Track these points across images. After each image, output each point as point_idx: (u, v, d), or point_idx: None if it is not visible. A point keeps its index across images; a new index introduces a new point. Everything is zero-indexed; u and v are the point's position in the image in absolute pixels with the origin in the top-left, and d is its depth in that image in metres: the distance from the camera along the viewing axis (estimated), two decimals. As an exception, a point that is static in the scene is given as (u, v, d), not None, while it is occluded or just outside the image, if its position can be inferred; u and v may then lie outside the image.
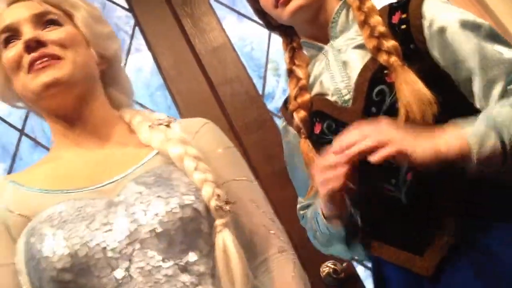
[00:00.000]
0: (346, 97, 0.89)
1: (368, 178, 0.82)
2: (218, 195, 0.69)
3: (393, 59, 0.84)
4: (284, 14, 0.93)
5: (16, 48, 0.77)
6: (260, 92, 1.78)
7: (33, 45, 0.75)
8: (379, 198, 0.85)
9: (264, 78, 1.86)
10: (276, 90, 1.97)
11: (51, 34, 0.78)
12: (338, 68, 0.92)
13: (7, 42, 0.79)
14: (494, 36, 0.83)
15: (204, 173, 0.71)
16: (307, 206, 1.04)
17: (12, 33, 0.78)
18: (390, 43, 0.85)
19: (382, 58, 0.86)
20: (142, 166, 0.75)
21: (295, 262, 0.79)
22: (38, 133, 1.79)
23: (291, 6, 0.91)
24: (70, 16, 0.83)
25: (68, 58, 0.77)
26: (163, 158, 0.75)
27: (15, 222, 0.70)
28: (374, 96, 0.85)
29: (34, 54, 0.75)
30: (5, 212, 0.71)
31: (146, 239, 0.64)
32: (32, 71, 0.75)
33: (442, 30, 0.83)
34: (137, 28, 1.88)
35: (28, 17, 0.79)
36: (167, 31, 1.82)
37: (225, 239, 0.67)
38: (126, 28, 1.96)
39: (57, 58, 0.76)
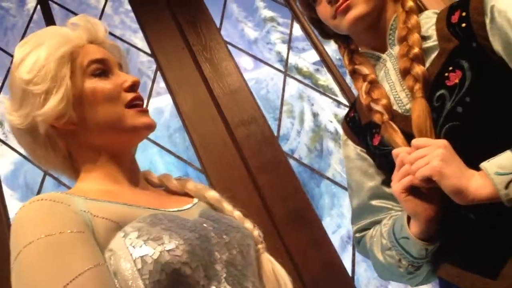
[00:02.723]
0: (408, 106, 0.87)
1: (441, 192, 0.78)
2: (257, 226, 0.84)
3: (417, 87, 0.83)
4: (343, 23, 0.92)
5: (113, 82, 0.82)
6: (275, 134, 1.83)
7: (137, 87, 0.83)
8: (452, 214, 0.81)
9: (279, 120, 1.91)
10: (291, 132, 2.01)
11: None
12: (397, 76, 0.90)
13: (97, 73, 0.82)
14: None
15: (239, 211, 0.85)
16: (367, 228, 0.99)
17: (105, 67, 0.83)
18: (419, 69, 0.84)
19: (408, 82, 0.85)
20: (195, 206, 0.83)
21: None
22: (61, 172, 1.85)
23: (351, 15, 0.90)
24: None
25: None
26: (201, 200, 0.85)
27: (102, 226, 0.67)
28: (435, 101, 0.82)
29: (136, 95, 0.82)
30: (88, 215, 0.68)
31: (231, 254, 0.73)
32: (133, 107, 0.81)
33: (501, 23, 0.76)
34: (158, 72, 1.97)
35: (116, 63, 0.86)
36: (187, 75, 1.90)
37: (269, 257, 0.83)
38: (148, 72, 2.05)
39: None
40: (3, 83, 2.03)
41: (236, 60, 1.95)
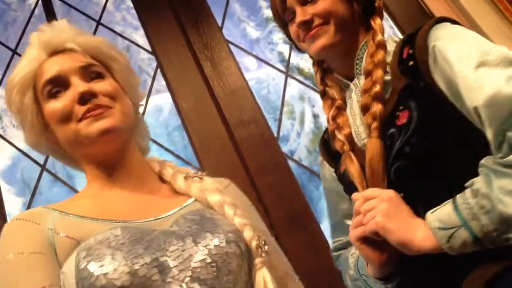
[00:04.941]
0: (365, 141, 0.88)
1: None
2: (258, 237, 0.76)
3: (374, 125, 0.84)
4: (310, 50, 0.93)
5: (65, 99, 0.79)
6: (275, 135, 1.81)
7: (88, 97, 0.78)
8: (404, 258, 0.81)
9: (279, 120, 1.89)
10: (291, 133, 2.00)
11: (100, 86, 0.81)
12: (359, 110, 0.90)
13: (52, 93, 0.81)
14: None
15: (243, 218, 0.78)
16: (342, 248, 1.02)
17: (59, 84, 0.81)
18: (377, 108, 0.85)
19: (367, 119, 0.86)
20: (184, 208, 0.80)
21: None
22: (58, 168, 1.84)
23: (318, 44, 0.91)
24: (107, 67, 0.87)
25: (117, 108, 0.81)
26: (201, 204, 0.81)
27: (62, 244, 0.70)
28: (387, 140, 0.83)
29: (90, 106, 0.78)
30: (52, 233, 0.71)
31: (197, 268, 0.67)
32: (86, 118, 0.78)
33: (442, 62, 0.78)
34: (158, 70, 1.96)
35: (77, 69, 0.81)
36: (187, 73, 1.88)
37: (265, 276, 0.72)
38: (148, 70, 2.04)
39: (108, 108, 0.80)
40: (2, 78, 2.01)
41: (237, 59, 1.94)
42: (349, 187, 0.92)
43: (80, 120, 0.78)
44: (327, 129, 1.06)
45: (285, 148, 1.84)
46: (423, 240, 0.73)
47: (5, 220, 1.63)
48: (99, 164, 0.83)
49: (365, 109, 0.87)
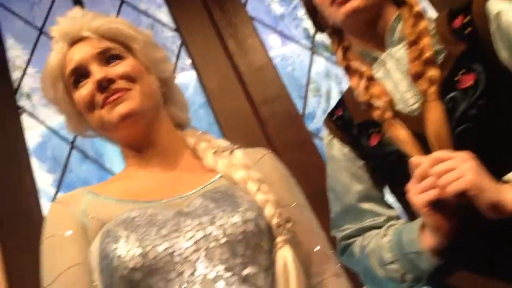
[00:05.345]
0: (415, 106, 0.85)
1: None
2: (280, 214, 0.74)
3: (432, 90, 0.82)
4: (339, 13, 0.90)
5: (87, 87, 0.83)
6: (301, 112, 1.79)
7: (105, 84, 0.81)
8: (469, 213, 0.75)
9: (305, 98, 1.87)
10: (317, 110, 1.97)
11: (117, 69, 0.83)
12: (402, 77, 0.88)
13: (77, 82, 0.84)
14: None
15: (266, 194, 0.76)
16: (355, 235, 0.95)
17: (81, 73, 0.84)
18: (435, 72, 0.83)
19: (421, 86, 0.84)
20: (208, 185, 0.80)
21: None
22: (88, 146, 1.88)
23: (349, 6, 0.88)
24: (127, 47, 0.87)
25: (136, 90, 0.82)
26: (227, 180, 0.81)
27: (92, 225, 0.75)
28: (446, 103, 0.81)
29: (106, 94, 0.80)
30: (84, 215, 0.77)
31: (211, 248, 0.68)
32: (106, 105, 0.81)
33: (508, 29, 0.80)
34: (183, 48, 1.96)
35: (94, 56, 0.83)
36: (211, 51, 1.87)
37: (286, 255, 0.71)
38: (173, 48, 2.03)
39: (127, 90, 0.81)
40: (30, 57, 2.05)
41: (261, 36, 1.91)
42: (386, 158, 0.87)
43: (102, 107, 0.81)
44: (337, 106, 1.02)
45: (311, 126, 1.82)
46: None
47: (37, 197, 1.69)
48: (129, 146, 0.86)
49: (416, 76, 0.85)
